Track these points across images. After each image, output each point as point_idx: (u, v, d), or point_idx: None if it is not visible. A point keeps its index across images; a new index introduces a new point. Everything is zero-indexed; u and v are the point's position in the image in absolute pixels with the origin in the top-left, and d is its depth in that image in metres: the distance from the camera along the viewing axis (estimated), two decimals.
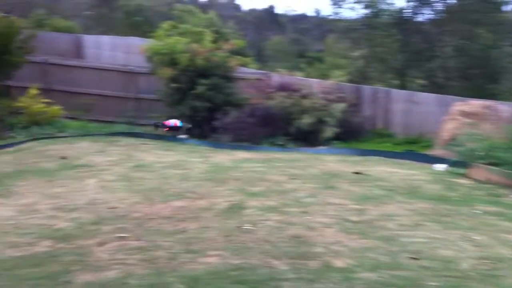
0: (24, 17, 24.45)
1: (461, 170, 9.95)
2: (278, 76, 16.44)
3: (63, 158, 10.53)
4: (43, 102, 14.44)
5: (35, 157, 10.74)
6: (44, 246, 5.88)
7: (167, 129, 14.75)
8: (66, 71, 17.08)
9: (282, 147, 13.62)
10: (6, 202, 7.62)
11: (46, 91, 16.26)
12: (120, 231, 6.36)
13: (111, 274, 5.14)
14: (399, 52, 21.22)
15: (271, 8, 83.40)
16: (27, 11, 42.96)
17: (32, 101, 14.28)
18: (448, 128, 12.61)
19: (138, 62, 19.44)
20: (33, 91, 14.48)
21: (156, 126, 15.05)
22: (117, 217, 6.91)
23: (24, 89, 15.21)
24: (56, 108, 14.63)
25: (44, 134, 13.47)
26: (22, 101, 14.25)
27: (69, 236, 6.18)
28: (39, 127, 13.88)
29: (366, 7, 22.43)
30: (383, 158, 11.92)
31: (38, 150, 11.40)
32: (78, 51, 23.58)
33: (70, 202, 7.59)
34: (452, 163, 10.18)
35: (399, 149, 13.85)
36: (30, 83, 15.31)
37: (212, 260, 5.51)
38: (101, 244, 5.93)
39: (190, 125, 14.91)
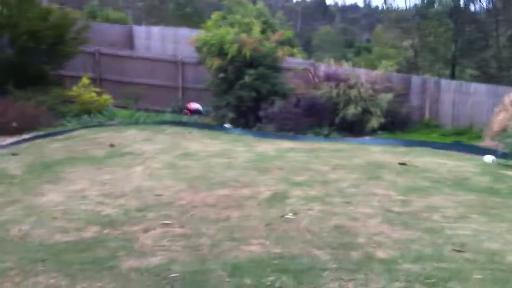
0: (78, 9, 25.16)
1: (511, 162, 9.65)
2: (325, 66, 16.33)
3: (112, 145, 10.80)
4: (94, 91, 14.82)
5: (85, 144, 11.05)
6: (91, 231, 6.06)
7: (189, 112, 15.05)
8: (116, 61, 17.48)
9: (327, 137, 13.54)
10: (56, 188, 7.89)
11: (97, 81, 16.74)
12: (164, 218, 6.49)
13: (155, 260, 5.26)
14: (451, 41, 20.70)
15: None
16: (81, 2, 44.14)
17: (84, 90, 14.68)
18: (499, 119, 12.24)
19: (187, 52, 19.71)
20: (85, 81, 14.88)
21: (181, 109, 15.39)
22: (162, 204, 7.05)
23: (76, 78, 15.66)
24: (106, 97, 15.00)
25: (94, 122, 13.84)
26: (74, 90, 14.67)
27: (116, 222, 6.36)
28: (89, 115, 14.26)
29: None
30: (430, 149, 11.66)
31: (87, 138, 11.73)
32: (129, 41, 24.10)
33: (117, 189, 7.79)
34: (502, 155, 9.87)
35: (447, 140, 13.55)
36: (82, 73, 15.76)
37: (254, 248, 5.55)
38: (146, 230, 6.07)
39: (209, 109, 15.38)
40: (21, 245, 5.69)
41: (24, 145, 11.24)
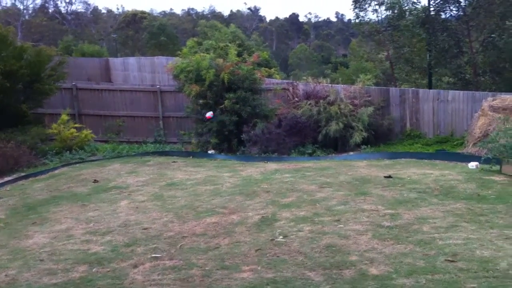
0: (52, 45, 25.14)
1: (495, 167, 9.73)
2: (303, 85, 16.40)
3: (96, 181, 10.70)
4: (74, 127, 14.70)
5: (68, 182, 10.92)
6: (80, 271, 5.96)
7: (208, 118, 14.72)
8: (95, 95, 17.40)
9: (311, 155, 13.55)
10: (41, 229, 7.76)
11: (76, 116, 16.62)
12: (154, 251, 6.41)
13: None
14: (426, 51, 20.98)
15: (294, 16, 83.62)
16: (55, 38, 44.13)
17: (63, 127, 14.54)
18: (479, 124, 12.36)
19: (165, 80, 19.76)
20: (64, 117, 14.76)
21: (202, 120, 14.98)
22: (151, 237, 6.97)
23: (55, 115, 15.54)
24: (87, 132, 14.88)
25: (76, 159, 13.70)
26: (54, 128, 14.53)
27: (104, 259, 6.26)
28: (71, 152, 14.12)
29: (389, 8, 22.30)
30: (414, 159, 11.74)
31: (70, 175, 11.60)
32: (106, 74, 24.11)
33: (103, 225, 7.69)
34: (485, 161, 9.95)
35: (430, 149, 13.64)
36: (61, 109, 15.62)
37: (246, 275, 5.50)
38: (135, 265, 5.98)
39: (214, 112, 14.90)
40: None
41: (6, 187, 11.06)
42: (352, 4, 23.69)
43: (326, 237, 6.42)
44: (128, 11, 60.56)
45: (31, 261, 6.41)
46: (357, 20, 24.22)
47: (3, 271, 6.13)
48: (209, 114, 14.47)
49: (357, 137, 14.04)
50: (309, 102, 14.91)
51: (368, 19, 24.11)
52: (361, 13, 23.78)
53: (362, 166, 10.99)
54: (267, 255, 6.02)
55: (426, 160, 11.53)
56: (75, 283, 5.63)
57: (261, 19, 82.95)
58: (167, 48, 41.22)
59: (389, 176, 9.50)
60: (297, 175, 10.27)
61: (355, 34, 37.39)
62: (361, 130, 14.17)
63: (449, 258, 5.48)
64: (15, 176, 12.01)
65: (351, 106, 14.67)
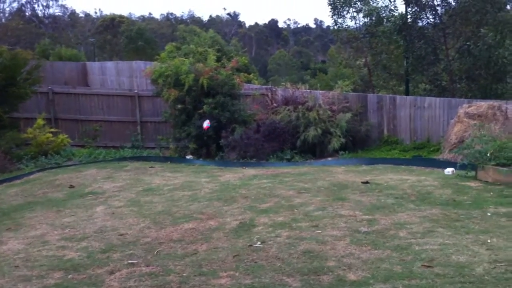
0: (29, 48, 24.84)
1: (471, 173, 9.85)
2: (282, 90, 16.45)
3: (71, 187, 10.56)
4: (50, 132, 14.53)
5: (43, 187, 10.76)
6: (55, 278, 5.86)
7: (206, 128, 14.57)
8: (71, 99, 17.22)
9: (290, 161, 13.57)
10: (16, 235, 7.62)
11: (52, 121, 16.42)
12: (130, 258, 6.33)
13: None
14: (403, 58, 21.19)
15: (273, 22, 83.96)
16: (32, 42, 43.61)
17: (39, 131, 14.37)
18: (455, 131, 12.51)
19: (143, 85, 19.64)
20: (40, 122, 14.59)
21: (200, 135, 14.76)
22: (127, 243, 6.89)
23: (31, 120, 15.33)
24: (63, 137, 14.71)
25: (52, 164, 13.53)
26: (29, 132, 14.35)
27: (80, 266, 6.17)
28: (46, 157, 13.94)
29: (367, 15, 22.48)
30: (391, 165, 11.82)
31: (46, 181, 11.43)
32: (83, 78, 23.90)
33: (79, 231, 7.58)
34: (461, 166, 10.07)
35: (407, 155, 13.76)
36: (37, 114, 15.42)
37: (223, 281, 5.46)
38: (111, 272, 5.90)
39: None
40: None
41: None
42: (330, 11, 23.83)
43: (304, 243, 6.41)
44: (106, 15, 60.26)
45: (5, 268, 6.28)
46: (335, 27, 24.35)
47: None
48: (206, 124, 14.41)
49: (335, 143, 14.10)
50: (287, 108, 14.95)
51: (347, 26, 24.26)
52: (340, 20, 23.92)
53: (340, 172, 11.04)
54: (245, 261, 5.99)
55: (403, 166, 11.63)
56: None
57: (241, 24, 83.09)
58: (145, 52, 41.06)
59: (367, 182, 9.55)
60: (275, 180, 10.27)
61: (334, 41, 37.68)
62: (339, 136, 14.25)
63: (425, 264, 5.51)
64: None
65: (329, 112, 14.75)
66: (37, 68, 15.76)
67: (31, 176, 12.05)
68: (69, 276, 5.87)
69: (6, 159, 13.01)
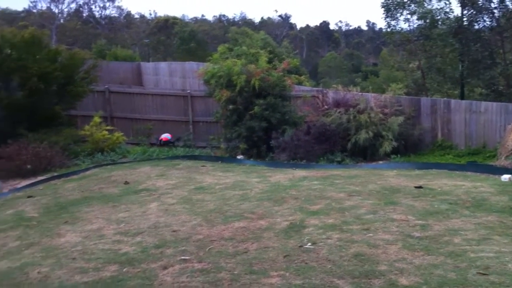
0: (86, 48, 25.62)
1: None
2: (333, 92, 16.37)
3: (126, 183, 10.84)
4: (106, 130, 14.94)
5: (99, 183, 11.10)
6: (110, 271, 6.05)
7: (160, 143, 16.26)
8: (127, 98, 17.66)
9: (340, 163, 13.48)
10: (73, 228, 7.91)
11: (108, 119, 16.90)
12: (183, 254, 6.47)
13: None
14: (458, 61, 20.71)
15: (324, 24, 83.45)
16: (89, 42, 44.95)
17: (96, 129, 14.81)
18: None
19: (195, 86, 19.94)
20: (96, 119, 15.02)
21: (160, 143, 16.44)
22: (180, 240, 7.03)
23: (87, 117, 15.82)
24: (118, 135, 15.10)
25: (108, 161, 13.92)
26: (86, 130, 14.81)
27: (134, 260, 6.34)
28: (102, 154, 14.36)
29: (421, 17, 22.08)
30: (445, 170, 11.56)
31: (102, 177, 11.78)
32: (137, 78, 24.46)
33: (134, 226, 7.79)
34: None
35: (461, 160, 13.44)
36: (93, 112, 15.92)
37: (274, 281, 5.51)
38: (165, 267, 6.05)
39: (178, 138, 16.65)
40: None
41: (39, 186, 11.31)
42: (383, 13, 23.51)
43: (355, 246, 6.38)
44: (160, 16, 61.32)
45: (63, 259, 6.53)
46: (388, 29, 23.99)
47: (36, 268, 6.28)
48: (165, 135, 16.05)
49: (387, 146, 13.92)
50: (338, 110, 14.86)
51: (400, 28, 23.87)
52: (393, 22, 23.53)
53: (392, 176, 10.89)
54: (296, 261, 6.01)
55: (457, 172, 11.35)
56: (105, 282, 5.72)
57: (292, 26, 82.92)
58: (197, 54, 41.59)
59: (420, 187, 9.39)
60: (326, 182, 10.24)
61: (386, 43, 37.14)
62: (391, 140, 14.06)
63: (480, 271, 5.39)
64: (48, 175, 12.29)
65: (381, 115, 14.58)
66: (94, 68, 16.23)
67: (88, 172, 12.44)
68: (124, 270, 6.05)
69: (64, 155, 13.48)
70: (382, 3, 23.46)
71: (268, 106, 14.47)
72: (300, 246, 6.49)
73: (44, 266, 6.31)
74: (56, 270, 6.15)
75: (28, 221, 8.52)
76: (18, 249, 7.09)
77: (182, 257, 6.33)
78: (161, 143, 16.44)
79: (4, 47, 14.26)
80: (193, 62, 24.46)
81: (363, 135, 13.99)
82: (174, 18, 56.98)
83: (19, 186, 11.67)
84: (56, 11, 59.72)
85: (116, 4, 71.54)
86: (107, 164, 13.37)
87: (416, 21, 22.96)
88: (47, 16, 57.38)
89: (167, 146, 16.19)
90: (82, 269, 6.15)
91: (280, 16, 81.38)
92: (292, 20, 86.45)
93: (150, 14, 72.84)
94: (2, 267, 6.39)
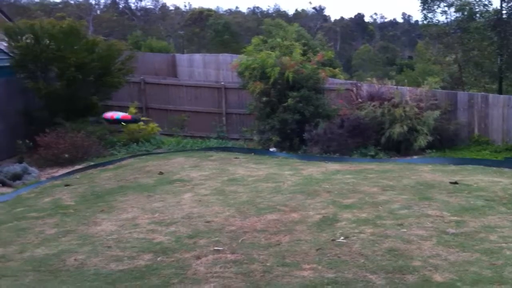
0: (122, 39, 25.94)
1: None
2: (367, 86, 16.19)
3: (161, 173, 10.98)
4: (141, 120, 15.12)
5: (135, 173, 11.27)
6: (145, 259, 6.16)
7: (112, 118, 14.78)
8: (161, 90, 17.83)
9: (373, 157, 13.37)
10: (109, 217, 8.07)
11: (143, 109, 17.10)
12: (216, 244, 6.54)
13: (209, 287, 5.31)
14: (496, 55, 20.25)
15: (359, 16, 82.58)
16: (125, 33, 45.52)
17: None
18: None
19: (228, 77, 19.99)
20: (132, 110, 15.21)
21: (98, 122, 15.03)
22: (213, 230, 7.12)
23: (123, 108, 16.04)
24: (153, 126, 15.27)
25: (142, 151, 14.10)
26: None
27: (168, 249, 6.45)
28: (137, 144, 14.55)
29: (459, 10, 21.66)
30: (481, 166, 11.34)
31: (137, 166, 11.96)
32: (172, 69, 24.65)
33: (168, 216, 7.90)
34: None
35: (498, 156, 13.15)
36: (129, 102, 16.12)
37: (306, 273, 5.53)
38: (198, 257, 6.13)
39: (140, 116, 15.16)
40: (77, 275, 5.83)
41: (76, 175, 11.54)
42: (420, 6, 23.13)
43: (389, 241, 6.35)
44: (195, 8, 61.64)
45: (99, 247, 6.68)
46: (425, 22, 23.62)
47: (72, 255, 6.43)
48: (113, 113, 14.69)
49: (421, 141, 13.73)
50: (373, 104, 14.70)
51: (437, 21, 23.47)
52: (429, 15, 23.15)
53: (426, 171, 10.76)
54: (328, 255, 6.02)
55: (494, 168, 11.12)
56: (140, 271, 5.83)
57: (326, 18, 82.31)
58: (230, 46, 41.70)
59: (455, 182, 9.26)
60: (359, 176, 10.18)
61: (422, 36, 36.53)
62: (426, 134, 13.85)
63: None
64: (84, 165, 12.52)
65: (416, 109, 14.36)
66: (130, 59, 16.39)
67: (123, 162, 12.63)
68: (158, 259, 6.16)
69: (100, 144, 13.71)
70: None
71: (301, 99, 14.42)
72: (333, 240, 6.49)
73: (80, 254, 6.47)
74: (92, 258, 6.30)
75: (65, 209, 8.72)
76: (55, 237, 7.27)
77: (215, 248, 6.41)
78: (109, 121, 14.98)
79: (43, 37, 14.49)
80: (227, 54, 24.51)
81: (397, 129, 13.83)
82: (209, 10, 57.20)
83: (56, 174, 11.92)
84: (93, 2, 60.71)
85: None
86: (142, 155, 13.55)
87: (454, 13, 22.56)
88: (84, 7, 58.34)
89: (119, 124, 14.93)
90: (117, 257, 6.28)
91: (314, 8, 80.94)
92: (326, 12, 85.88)
93: (185, 6, 73.46)
94: (40, 254, 6.56)
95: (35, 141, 13.08)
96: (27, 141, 13.24)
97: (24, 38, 14.45)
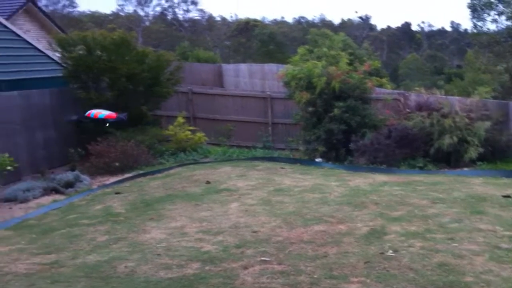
0: (170, 50, 26.45)
1: None
2: (415, 95, 15.94)
3: (208, 182, 11.11)
4: (189, 130, 15.35)
5: (182, 181, 11.44)
6: (193, 268, 6.24)
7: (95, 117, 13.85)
8: (208, 99, 18.04)
9: (422, 169, 13.14)
10: (158, 225, 8.21)
11: (190, 119, 17.35)
12: (262, 254, 6.57)
13: None
14: None
15: (406, 25, 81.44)
16: (172, 44, 46.36)
17: (179, 129, 15.25)
18: None
19: (274, 87, 20.04)
20: (180, 120, 15.46)
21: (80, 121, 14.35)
22: (260, 241, 7.14)
23: (171, 117, 16.31)
24: (200, 135, 15.48)
25: (190, 160, 14.31)
26: (170, 129, 15.29)
27: (216, 258, 6.51)
28: (185, 153, 14.77)
29: (510, 18, 21.14)
30: None
31: (184, 175, 12.13)
32: (218, 79, 24.88)
33: (215, 225, 7.99)
34: None
35: None
36: (177, 112, 16.39)
37: (354, 286, 5.50)
38: (245, 267, 6.17)
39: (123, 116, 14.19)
40: (128, 282, 5.95)
41: (126, 183, 11.80)
42: (469, 14, 22.73)
43: (439, 255, 6.23)
44: (241, 19, 62.13)
45: (148, 255, 6.81)
46: (474, 30, 23.20)
47: (123, 262, 6.57)
48: (96, 111, 13.88)
49: (472, 153, 13.40)
50: (421, 114, 14.46)
51: (487, 29, 22.98)
52: (479, 23, 22.74)
53: (478, 183, 10.50)
54: (376, 268, 5.96)
55: None
56: (189, 279, 5.91)
57: (372, 27, 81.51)
58: (276, 56, 41.85)
59: (508, 196, 9.00)
60: (407, 188, 10.03)
61: (471, 45, 35.76)
62: (477, 145, 13.51)
63: None
64: (134, 173, 12.80)
65: (466, 120, 14.04)
66: (178, 69, 16.68)
67: (171, 171, 12.85)
68: (206, 268, 6.23)
69: (149, 153, 13.97)
70: (469, 3, 22.69)
71: (348, 109, 14.33)
72: (381, 253, 6.41)
73: (130, 261, 6.60)
74: (141, 265, 6.42)
75: (115, 216, 8.93)
76: (107, 244, 7.45)
77: (262, 258, 6.43)
78: (93, 120, 14.14)
79: (95, 49, 14.93)
80: (272, 64, 24.58)
81: (447, 140, 13.54)
82: (254, 20, 57.57)
83: (107, 182, 12.22)
84: (142, 14, 62.00)
85: (199, 7, 73.38)
86: (189, 164, 13.75)
87: (505, 21, 22.03)
88: (133, 19, 59.69)
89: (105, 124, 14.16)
90: (166, 265, 6.38)
91: (360, 17, 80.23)
92: (372, 21, 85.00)
93: (231, 17, 74.00)
94: (92, 260, 6.72)
95: (86, 150, 13.47)
96: (79, 149, 13.61)
97: (77, 49, 14.90)
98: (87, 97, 14.52)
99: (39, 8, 24.60)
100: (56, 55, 15.38)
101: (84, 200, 10.52)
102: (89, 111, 14.07)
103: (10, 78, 13.61)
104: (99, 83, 15.07)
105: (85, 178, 12.36)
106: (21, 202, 10.72)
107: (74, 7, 62.62)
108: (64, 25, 31.49)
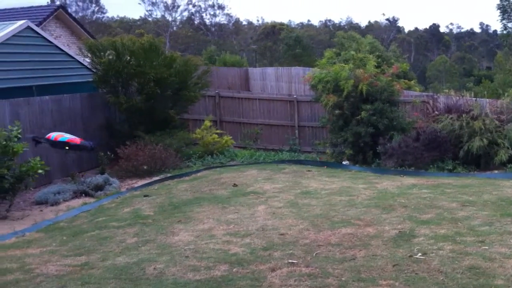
0: (197, 54, 26.70)
1: None
2: (444, 98, 15.77)
3: (235, 185, 11.17)
4: (216, 133, 15.46)
5: (210, 184, 11.52)
6: (221, 270, 6.28)
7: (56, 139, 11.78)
8: (235, 103, 18.14)
9: (451, 172, 12.97)
10: (186, 227, 8.29)
11: (217, 123, 17.48)
12: (290, 257, 6.57)
13: None
14: None
15: (434, 26, 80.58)
16: (199, 48, 46.75)
17: (206, 132, 15.38)
18: None
19: (300, 90, 20.10)
20: (207, 123, 15.60)
21: (37, 141, 12.05)
22: (287, 243, 7.15)
23: (198, 121, 16.46)
24: (227, 138, 15.58)
25: (217, 163, 14.41)
26: (197, 133, 15.43)
27: (244, 261, 6.53)
28: (212, 156, 14.88)
29: None
30: None
31: (212, 178, 12.21)
32: (245, 83, 25.08)
33: (242, 228, 8.02)
34: None
35: None
36: (204, 116, 16.51)
37: None
38: (273, 269, 6.18)
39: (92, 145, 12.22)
40: (157, 283, 6.01)
41: (154, 186, 11.94)
42: (499, 15, 22.41)
43: (469, 258, 6.15)
44: (267, 22, 62.38)
45: (177, 257, 6.87)
46: (504, 32, 22.85)
47: (152, 264, 6.64)
48: (57, 134, 11.82)
49: (502, 155, 13.17)
50: (450, 116, 14.28)
51: None
52: (509, 24, 22.38)
53: (509, 186, 10.32)
54: (405, 271, 5.91)
55: None
56: (217, 281, 5.95)
57: (399, 29, 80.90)
58: (302, 59, 41.86)
59: None
60: (436, 191, 9.92)
61: (501, 46, 35.20)
62: (508, 148, 13.28)
63: None
64: (162, 176, 12.94)
65: (497, 122, 13.82)
66: (206, 74, 16.82)
67: (199, 174, 12.94)
68: (234, 270, 6.26)
69: (177, 156, 14.11)
70: (498, 4, 22.39)
71: (375, 112, 14.24)
72: (410, 256, 6.36)
73: (159, 263, 6.66)
74: (170, 267, 6.48)
75: (144, 219, 9.04)
76: (136, 246, 7.54)
77: (290, 261, 6.43)
78: (51, 144, 11.95)
79: (124, 54, 15.15)
80: (299, 68, 24.67)
81: (476, 143, 13.35)
82: (281, 24, 57.71)
83: (136, 185, 12.38)
84: (170, 19, 62.68)
85: (226, 11, 73.84)
86: (216, 167, 13.84)
87: None
88: (161, 24, 60.38)
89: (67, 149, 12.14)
90: (195, 267, 6.43)
91: (387, 19, 79.75)
92: (399, 23, 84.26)
93: (258, 21, 74.39)
94: (121, 262, 6.80)
95: (116, 153, 13.66)
96: (108, 153, 13.81)
97: (106, 54, 15.15)
98: (116, 101, 14.75)
99: (70, 14, 25.15)
100: (86, 60, 15.67)
101: (113, 203, 10.67)
102: (49, 134, 11.99)
103: (42, 83, 13.96)
104: (128, 87, 15.28)
105: (114, 181, 12.53)
106: (52, 204, 10.94)
107: (103, 13, 63.71)
108: (93, 30, 32.07)
